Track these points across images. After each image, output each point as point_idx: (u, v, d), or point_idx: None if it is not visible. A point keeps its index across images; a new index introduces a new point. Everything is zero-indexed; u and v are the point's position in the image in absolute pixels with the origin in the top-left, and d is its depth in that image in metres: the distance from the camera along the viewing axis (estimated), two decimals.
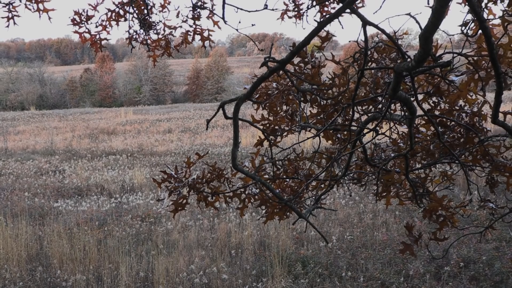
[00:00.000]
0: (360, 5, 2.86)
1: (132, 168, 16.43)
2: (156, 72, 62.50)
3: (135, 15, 3.32)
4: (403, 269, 7.23)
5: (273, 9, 2.99)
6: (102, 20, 3.20)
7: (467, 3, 2.26)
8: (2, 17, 2.96)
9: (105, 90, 62.87)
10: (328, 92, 2.86)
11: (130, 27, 3.34)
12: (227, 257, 8.02)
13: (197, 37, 3.31)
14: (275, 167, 2.96)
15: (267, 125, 2.98)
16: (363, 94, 2.83)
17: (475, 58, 2.41)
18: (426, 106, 2.68)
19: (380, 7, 2.59)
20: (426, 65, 2.21)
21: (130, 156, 19.17)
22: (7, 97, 61.37)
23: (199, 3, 3.21)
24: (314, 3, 3.01)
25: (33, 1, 2.96)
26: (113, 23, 3.22)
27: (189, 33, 3.31)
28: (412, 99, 2.35)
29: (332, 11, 3.10)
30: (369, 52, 2.60)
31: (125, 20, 3.28)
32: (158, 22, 3.40)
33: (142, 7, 3.31)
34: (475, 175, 2.94)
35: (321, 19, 3.04)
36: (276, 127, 2.98)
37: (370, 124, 2.72)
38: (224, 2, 2.91)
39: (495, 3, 2.50)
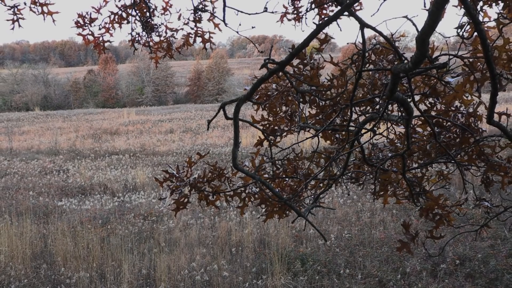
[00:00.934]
0: (358, 8, 2.90)
1: (135, 167, 16.51)
2: (158, 73, 62.61)
3: (137, 17, 3.37)
4: (400, 266, 7.28)
5: (272, 12, 3.03)
6: (105, 23, 3.25)
7: (463, 6, 2.30)
8: (7, 20, 3.02)
9: (108, 91, 63.03)
10: (327, 93, 2.91)
11: (132, 30, 3.40)
12: (228, 255, 8.08)
13: (198, 39, 3.37)
14: (275, 167, 3.01)
15: (267, 125, 3.04)
16: (361, 95, 2.87)
17: (471, 60, 2.45)
18: (422, 107, 2.72)
19: (378, 10, 2.63)
20: (422, 67, 2.25)
21: (133, 156, 19.26)
22: (12, 98, 61.68)
23: (200, 6, 3.26)
24: (313, 6, 3.06)
25: (38, 4, 3.02)
26: (116, 25, 3.28)
27: (190, 35, 3.37)
28: (409, 100, 2.40)
29: (331, 14, 3.14)
30: (366, 54, 2.65)
31: (128, 22, 3.33)
32: (160, 25, 3.45)
33: (145, 10, 3.37)
34: (470, 174, 2.98)
35: (320, 22, 3.09)
36: (276, 128, 3.03)
37: (368, 125, 2.77)
38: (224, 5, 2.96)
39: (490, 5, 2.55)
